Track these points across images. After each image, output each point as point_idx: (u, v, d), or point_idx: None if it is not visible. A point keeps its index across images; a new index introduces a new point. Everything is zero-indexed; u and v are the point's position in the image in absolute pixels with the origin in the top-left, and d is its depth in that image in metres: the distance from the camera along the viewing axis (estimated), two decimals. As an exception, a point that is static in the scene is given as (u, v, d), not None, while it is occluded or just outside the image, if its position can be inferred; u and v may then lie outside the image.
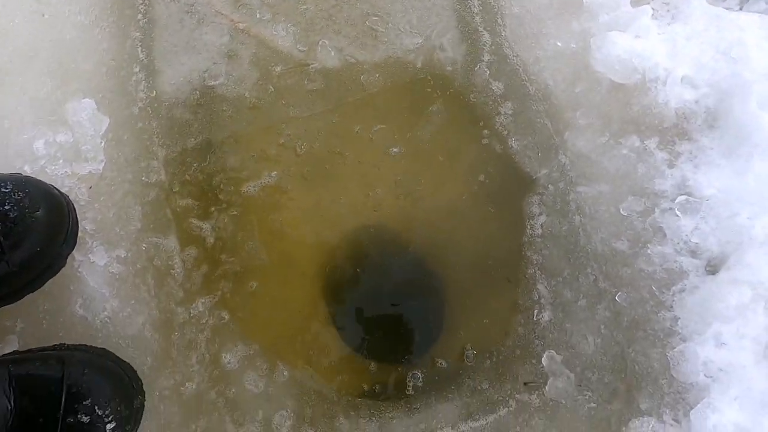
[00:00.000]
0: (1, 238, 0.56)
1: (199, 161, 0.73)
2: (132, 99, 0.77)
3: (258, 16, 0.81)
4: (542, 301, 0.66)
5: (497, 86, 0.76)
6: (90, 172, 0.71)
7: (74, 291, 0.65)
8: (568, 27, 0.75)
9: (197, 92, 0.77)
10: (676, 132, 0.67)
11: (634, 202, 0.66)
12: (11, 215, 0.57)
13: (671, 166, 0.65)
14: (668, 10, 0.73)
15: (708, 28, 0.68)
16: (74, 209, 0.65)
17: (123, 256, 0.67)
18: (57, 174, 0.70)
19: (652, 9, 0.71)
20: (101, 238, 0.68)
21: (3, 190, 0.58)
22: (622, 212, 0.66)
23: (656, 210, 0.64)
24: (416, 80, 0.77)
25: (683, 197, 0.62)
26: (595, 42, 0.69)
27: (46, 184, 0.62)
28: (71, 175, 0.70)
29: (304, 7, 0.81)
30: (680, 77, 0.66)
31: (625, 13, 0.69)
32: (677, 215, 0.61)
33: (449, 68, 0.78)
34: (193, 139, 0.75)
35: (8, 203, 0.57)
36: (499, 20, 0.79)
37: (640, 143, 0.68)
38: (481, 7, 0.80)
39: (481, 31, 0.79)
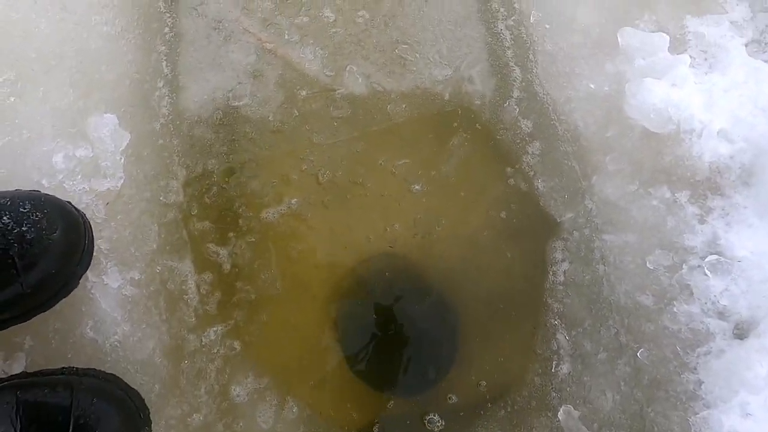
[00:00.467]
0: (17, 260, 0.55)
1: (219, 184, 0.72)
2: (154, 114, 0.76)
3: (286, 36, 0.79)
4: (561, 351, 0.64)
5: (526, 124, 0.75)
6: (108, 189, 0.70)
7: (86, 312, 0.64)
8: (602, 68, 0.73)
9: (220, 111, 0.76)
10: (708, 186, 0.66)
11: (662, 255, 0.64)
12: (28, 237, 0.56)
13: (702, 221, 0.64)
14: (706, 59, 0.71)
15: (747, 81, 0.66)
16: (91, 229, 0.64)
17: (137, 278, 0.66)
18: (75, 190, 0.69)
19: (690, 57, 0.69)
20: (116, 258, 0.66)
21: (21, 210, 0.56)
22: (648, 265, 0.65)
23: (684, 266, 0.63)
24: (443, 113, 0.76)
25: (714, 257, 0.60)
26: (630, 88, 0.68)
27: (63, 203, 0.61)
28: (89, 192, 0.69)
29: (334, 30, 0.80)
30: (716, 130, 0.65)
31: (662, 59, 0.68)
32: (706, 274, 0.60)
33: (477, 102, 0.76)
34: (214, 160, 0.74)
35: (26, 224, 0.56)
36: (531, 56, 0.77)
37: (670, 195, 0.66)
38: (513, 42, 0.79)
39: (512, 66, 0.78)
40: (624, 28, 0.72)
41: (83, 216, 0.64)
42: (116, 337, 0.63)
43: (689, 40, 0.72)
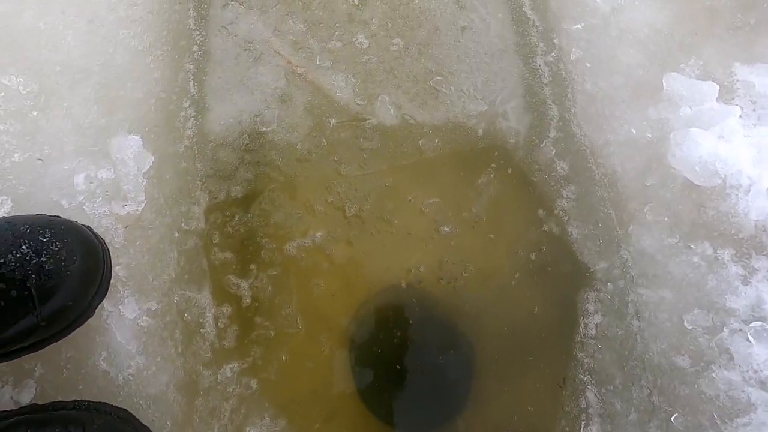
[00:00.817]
0: (34, 292, 0.53)
1: (242, 212, 0.70)
2: (179, 136, 0.74)
3: (318, 62, 0.77)
4: (590, 410, 0.62)
5: (561, 166, 0.72)
6: (128, 212, 0.68)
7: (99, 343, 0.62)
8: (645, 113, 0.71)
9: (246, 137, 0.74)
10: (753, 245, 0.63)
11: (701, 316, 0.62)
12: (46, 268, 0.54)
13: (746, 283, 0.61)
14: (754, 110, 0.68)
15: (799, 138, 0.64)
16: (109, 257, 0.62)
17: (153, 308, 0.64)
18: (95, 213, 0.67)
19: (739, 107, 0.67)
20: (133, 287, 0.64)
21: (41, 239, 0.54)
22: (685, 324, 0.62)
23: (725, 329, 0.60)
24: (476, 149, 0.73)
25: (758, 323, 0.57)
26: (675, 137, 0.65)
27: (84, 230, 0.59)
28: (109, 215, 0.67)
29: (366, 57, 0.78)
30: (766, 188, 0.62)
31: (710, 109, 0.65)
32: (749, 341, 0.57)
33: (512, 140, 0.74)
34: (238, 187, 0.72)
35: (45, 254, 0.54)
36: (570, 95, 0.75)
37: (712, 251, 0.63)
38: (551, 78, 0.76)
39: (549, 104, 0.75)
40: (670, 73, 0.70)
41: (102, 243, 0.62)
42: (130, 370, 0.61)
43: (738, 89, 0.69)
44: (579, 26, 0.77)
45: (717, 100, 0.67)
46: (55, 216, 0.60)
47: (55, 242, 0.56)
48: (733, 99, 0.69)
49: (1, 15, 0.78)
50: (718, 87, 0.66)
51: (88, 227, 0.62)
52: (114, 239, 0.67)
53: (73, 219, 0.63)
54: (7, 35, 0.77)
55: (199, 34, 0.80)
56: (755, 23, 0.74)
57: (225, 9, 0.80)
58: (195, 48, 0.79)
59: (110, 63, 0.77)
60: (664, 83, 0.70)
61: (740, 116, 0.66)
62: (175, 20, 0.80)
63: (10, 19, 0.78)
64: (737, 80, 0.70)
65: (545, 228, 0.69)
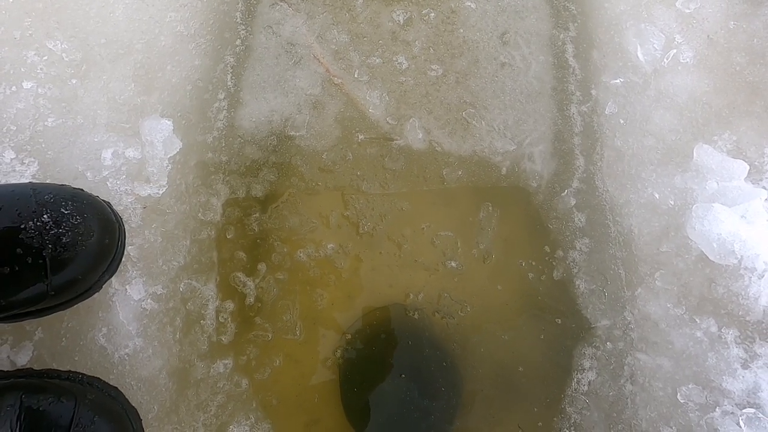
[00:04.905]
0: (49, 262, 0.54)
1: (259, 212, 0.70)
2: (209, 126, 0.75)
3: (356, 75, 0.78)
4: (570, 466, 0.62)
5: (579, 218, 0.72)
6: (149, 194, 0.69)
7: (101, 318, 0.63)
8: (670, 180, 0.71)
9: (275, 138, 0.75)
10: (758, 330, 0.63)
11: (695, 391, 0.62)
12: (63, 240, 0.55)
13: (745, 366, 0.61)
14: (781, 194, 0.68)
15: (821, 231, 0.64)
16: (125, 235, 0.63)
17: (159, 293, 0.65)
18: (117, 189, 0.68)
19: (766, 190, 0.67)
20: (142, 268, 0.65)
21: (62, 210, 0.55)
22: (679, 397, 0.62)
23: (717, 409, 0.60)
24: (497, 187, 0.74)
25: (751, 410, 0.57)
26: (697, 210, 0.65)
27: (104, 207, 0.60)
28: (130, 194, 0.68)
29: (403, 78, 0.78)
30: (779, 276, 0.62)
31: (736, 187, 0.65)
32: (740, 426, 0.57)
33: (534, 184, 0.74)
34: (259, 186, 0.72)
35: (64, 226, 0.55)
36: (599, 149, 0.75)
37: (716, 329, 0.63)
38: (582, 129, 0.76)
39: (577, 154, 0.75)
40: (702, 144, 0.70)
41: (120, 222, 0.62)
42: (126, 350, 0.62)
43: (767, 170, 0.69)
44: (618, 81, 0.77)
45: (746, 179, 0.67)
46: (78, 189, 0.61)
47: (76, 216, 0.57)
48: (761, 180, 0.69)
49: (54, -19, 0.80)
50: (748, 167, 0.66)
51: (108, 204, 0.63)
52: (131, 218, 0.68)
53: (95, 193, 0.64)
54: (58, 0, 0.79)
55: (244, 29, 0.81)
56: (795, 107, 0.74)
57: (273, 8, 0.81)
58: (238, 42, 0.80)
59: (154, 43, 0.78)
60: (694, 153, 0.70)
61: (766, 199, 0.66)
62: (222, 11, 0.81)
63: (63, -13, 0.80)
64: (768, 162, 0.70)
65: (553, 276, 0.70)
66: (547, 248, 0.70)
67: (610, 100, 0.76)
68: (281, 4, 0.82)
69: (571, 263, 0.70)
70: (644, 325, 0.67)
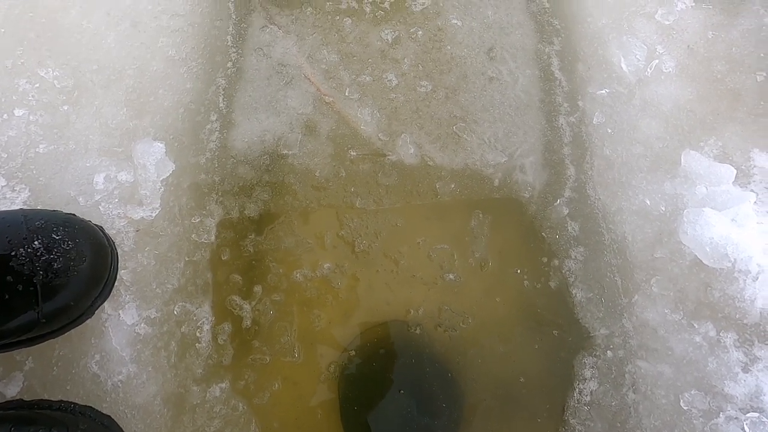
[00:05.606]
0: (40, 289, 0.53)
1: (254, 233, 0.70)
2: (202, 148, 0.76)
3: (347, 93, 0.79)
4: (576, 479, 0.61)
5: (573, 227, 0.73)
6: (142, 217, 0.68)
7: (94, 345, 0.62)
8: (660, 186, 0.71)
9: (267, 157, 0.75)
10: (756, 332, 0.63)
11: (698, 397, 0.61)
12: (55, 266, 0.54)
13: (746, 370, 0.61)
14: (769, 197, 0.69)
15: (811, 232, 0.65)
16: (117, 259, 0.62)
17: (153, 317, 0.64)
18: (109, 213, 0.68)
19: (754, 193, 0.68)
20: (136, 292, 0.65)
21: (54, 236, 0.55)
22: (682, 404, 0.61)
23: (721, 415, 0.59)
24: (491, 199, 0.74)
25: (755, 414, 0.57)
26: (688, 215, 0.66)
27: (96, 231, 0.60)
28: (123, 218, 0.68)
29: (394, 95, 0.79)
30: (773, 278, 0.62)
31: (725, 191, 0.66)
32: (744, 431, 0.56)
33: (526, 194, 0.75)
34: (253, 206, 0.72)
35: (55, 252, 0.55)
36: (588, 158, 0.76)
37: (715, 333, 0.63)
38: (571, 139, 0.77)
39: (567, 164, 0.76)
40: (689, 150, 0.71)
41: (113, 246, 0.62)
42: (120, 376, 0.61)
43: (754, 174, 0.70)
44: (604, 92, 0.79)
45: (733, 183, 0.68)
46: (70, 214, 0.61)
47: (67, 241, 0.56)
48: (749, 184, 0.70)
49: (47, 9, 0.80)
50: (735, 171, 0.67)
51: (101, 228, 0.63)
52: (124, 242, 0.67)
53: (87, 217, 0.64)
54: (51, 29, 0.79)
55: (235, 52, 0.82)
56: (777, 112, 0.76)
57: (263, 31, 0.83)
58: (229, 64, 0.81)
59: (146, 68, 0.79)
60: (682, 159, 0.71)
61: (755, 202, 0.67)
62: (213, 35, 0.83)
63: (56, 14, 0.81)
64: (754, 166, 0.71)
65: (550, 286, 0.70)
66: (543, 258, 0.71)
67: (597, 111, 0.77)
68: (271, 26, 0.83)
69: (567, 272, 0.71)
70: (643, 332, 0.67)
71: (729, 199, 0.66)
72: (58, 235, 0.56)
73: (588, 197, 0.74)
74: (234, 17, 0.84)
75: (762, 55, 0.78)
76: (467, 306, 0.67)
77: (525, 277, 0.70)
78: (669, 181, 0.71)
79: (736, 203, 0.65)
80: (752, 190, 0.68)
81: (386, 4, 0.85)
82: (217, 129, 0.77)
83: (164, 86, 0.78)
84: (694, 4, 0.83)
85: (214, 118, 0.77)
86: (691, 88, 0.78)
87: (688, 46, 0.81)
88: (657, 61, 0.79)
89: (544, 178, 0.76)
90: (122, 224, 0.68)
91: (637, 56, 0.80)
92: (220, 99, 0.79)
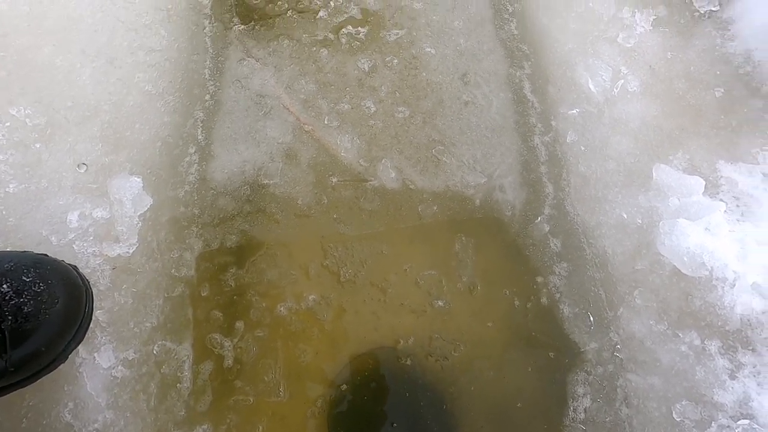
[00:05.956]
0: (8, 335, 0.50)
1: (235, 266, 0.69)
2: (180, 180, 0.75)
3: (326, 121, 0.80)
4: (577, 502, 0.59)
5: (555, 243, 0.74)
6: (119, 254, 0.66)
7: (67, 392, 0.58)
8: (635, 200, 0.74)
9: (248, 187, 0.75)
10: (739, 339, 0.64)
11: (689, 408, 0.61)
12: (25, 310, 0.52)
13: (733, 377, 0.61)
14: (738, 206, 0.72)
15: (780, 237, 0.67)
16: (92, 299, 0.60)
17: (130, 358, 0.61)
18: (84, 252, 0.65)
19: (723, 202, 0.70)
20: (112, 333, 0.62)
21: (24, 278, 0.53)
22: (674, 416, 0.61)
23: (713, 424, 0.59)
24: (473, 219, 0.75)
25: (746, 421, 0.57)
26: (663, 226, 0.67)
27: (70, 271, 0.57)
28: (98, 255, 0.66)
29: (372, 122, 0.81)
30: (750, 283, 0.64)
31: (696, 202, 0.68)
32: (738, 440, 0.57)
33: (507, 213, 0.76)
34: (234, 237, 0.71)
35: (26, 295, 0.52)
36: (564, 175, 0.78)
37: (700, 342, 0.64)
38: (547, 158, 0.80)
39: (545, 182, 0.78)
40: (659, 165, 0.74)
41: (87, 286, 0.60)
42: (96, 425, 0.57)
43: (722, 184, 0.73)
44: (575, 111, 0.82)
45: (703, 194, 0.70)
46: (42, 254, 0.58)
47: (39, 283, 0.54)
48: (718, 194, 0.73)
49: (19, 48, 0.80)
50: (704, 182, 0.70)
51: (75, 267, 0.60)
52: (100, 281, 0.65)
53: (61, 257, 0.61)
54: (23, 68, 0.78)
55: (213, 85, 0.82)
56: (736, 125, 0.79)
57: (241, 63, 0.84)
58: (207, 97, 0.81)
59: (122, 103, 0.78)
60: (654, 173, 0.74)
61: (725, 211, 0.69)
62: (191, 69, 0.83)
63: (28, 52, 0.80)
64: (721, 176, 0.74)
65: (538, 304, 0.70)
66: (529, 276, 0.71)
67: (570, 130, 0.80)
68: (249, 59, 0.84)
69: (553, 288, 0.71)
70: (630, 344, 0.67)
71: (701, 209, 0.68)
72: (28, 277, 0.54)
73: (567, 213, 0.76)
74: (211, 51, 0.85)
75: (718, 72, 0.83)
76: (458, 332, 0.66)
77: (514, 297, 0.70)
78: (643, 195, 0.73)
79: (707, 213, 0.67)
80: (721, 200, 0.71)
81: (361, 35, 0.88)
82: (196, 161, 0.76)
83: (141, 120, 0.77)
84: (651, 27, 0.88)
85: (192, 150, 0.77)
86: (656, 105, 0.82)
87: (650, 66, 0.85)
88: (622, 81, 0.83)
89: (524, 196, 0.77)
90: (98, 262, 0.65)
91: (603, 77, 0.84)
92: (199, 131, 0.78)
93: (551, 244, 0.74)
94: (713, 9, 0.91)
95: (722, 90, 0.82)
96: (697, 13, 0.91)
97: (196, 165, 0.76)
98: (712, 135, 0.79)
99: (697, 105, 0.82)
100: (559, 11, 0.92)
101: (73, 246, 0.65)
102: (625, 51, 0.87)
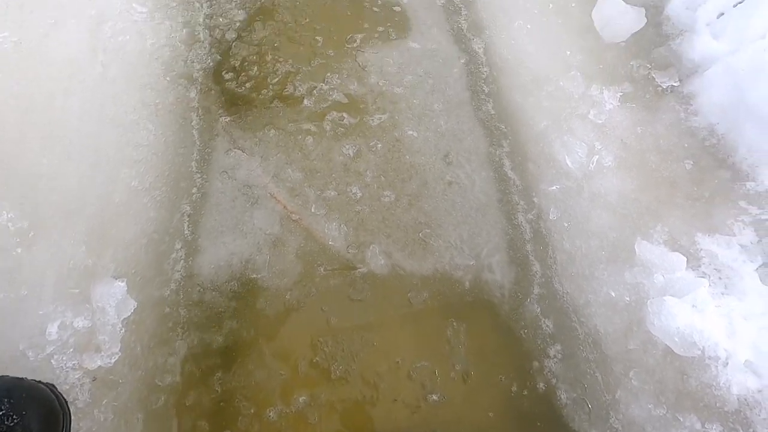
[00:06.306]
0: (-24, 479, 0.47)
1: (222, 369, 0.66)
2: (166, 279, 0.73)
3: (313, 210, 0.81)
4: None
5: (547, 324, 0.74)
6: (100, 365, 0.64)
7: None
8: (621, 277, 0.75)
9: (235, 282, 0.73)
10: (738, 420, 0.63)
11: (699, 501, 0.59)
12: (-3, 448, 0.49)
13: (738, 465, 0.60)
14: (720, 278, 0.73)
15: (765, 312, 0.68)
16: (70, 422, 0.57)
17: (110, 484, 0.57)
18: (63, 366, 0.63)
19: (706, 275, 0.72)
20: (91, 457, 0.58)
21: (-2, 412, 0.50)
22: None
23: None
24: (464, 302, 0.74)
25: None
26: (652, 305, 0.68)
27: (46, 394, 0.55)
28: (77, 369, 0.63)
29: (359, 207, 0.82)
30: (742, 361, 0.64)
31: (680, 278, 0.70)
32: None
33: (497, 294, 0.76)
34: (220, 338, 0.69)
35: (-1, 431, 0.49)
36: (550, 253, 0.79)
37: (701, 426, 0.63)
38: (532, 236, 0.81)
39: (532, 261, 0.79)
40: (641, 241, 0.75)
41: (65, 409, 0.57)
42: None
43: (702, 257, 0.75)
44: (555, 188, 0.84)
45: (686, 269, 0.72)
46: (18, 379, 0.56)
47: (12, 416, 0.51)
48: (700, 266, 0.74)
49: (2, 150, 0.79)
50: (685, 258, 0.71)
51: (52, 387, 0.58)
52: (79, 396, 0.61)
53: (38, 373, 0.59)
54: (6, 169, 0.78)
55: (200, 177, 0.83)
56: (709, 196, 0.82)
57: (228, 154, 0.85)
58: (194, 190, 0.81)
59: (107, 201, 0.78)
60: (636, 249, 0.75)
61: (709, 286, 0.70)
62: (178, 162, 0.84)
63: (12, 154, 0.80)
64: (701, 249, 0.76)
65: (535, 390, 0.68)
66: (523, 361, 0.70)
67: (552, 206, 0.82)
68: (235, 150, 0.86)
69: (549, 373, 0.70)
70: (631, 430, 0.65)
71: (685, 286, 0.69)
72: (1, 410, 0.51)
73: (556, 292, 0.76)
74: (198, 143, 0.86)
75: (686, 145, 0.87)
76: (457, 426, 0.64)
77: (511, 383, 0.68)
78: (628, 271, 0.75)
79: (692, 289, 0.68)
80: (704, 273, 0.72)
81: (345, 120, 0.90)
82: (182, 258, 0.75)
83: (126, 218, 0.77)
84: (619, 103, 0.93)
85: (179, 246, 0.76)
86: (631, 178, 0.85)
87: (622, 140, 0.89)
88: (597, 156, 0.87)
89: (512, 276, 0.78)
90: (77, 376, 0.62)
91: (579, 153, 0.87)
92: (185, 226, 0.78)
93: (543, 326, 0.73)
94: (674, 84, 0.97)
95: (691, 162, 0.86)
96: (660, 88, 0.97)
97: (182, 261, 0.75)
98: (687, 206, 0.82)
99: (669, 177, 0.86)
100: (531, 90, 0.97)
101: (52, 361, 0.62)
102: (597, 127, 0.91)
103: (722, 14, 0.98)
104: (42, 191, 0.76)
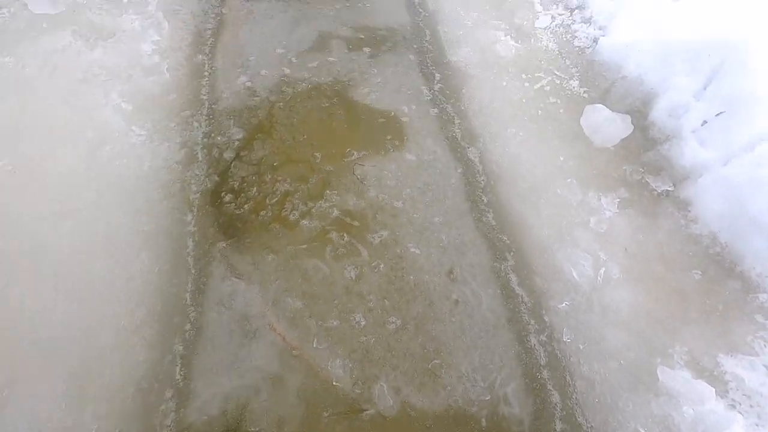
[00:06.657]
0: None
1: None
2: (154, 437, 0.67)
3: (314, 344, 0.76)
4: None
5: (574, 468, 0.68)
6: None
7: None
8: (647, 407, 0.70)
9: (231, 436, 0.67)
10: None
11: None
12: None
13: None
14: (751, 406, 0.69)
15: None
16: None
17: None
18: None
19: (738, 406, 0.67)
20: None
21: None
22: None
23: None
24: (482, 446, 0.69)
25: None
26: (686, 447, 0.63)
27: None
28: None
29: (364, 337, 0.77)
30: None
31: (711, 411, 0.65)
32: None
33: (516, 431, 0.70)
34: None
35: None
36: (569, 379, 0.75)
37: None
38: (547, 359, 0.77)
39: (550, 389, 0.74)
40: (663, 367, 0.72)
41: None
42: None
43: (729, 381, 0.71)
44: (564, 305, 0.81)
45: (716, 399, 0.68)
46: None
47: None
48: (728, 392, 0.70)
49: (-14, 287, 0.76)
50: (714, 389, 0.68)
51: None
52: None
53: None
54: (-13, 310, 0.74)
55: (194, 310, 0.78)
56: (723, 309, 0.80)
57: (224, 283, 0.81)
58: (188, 326, 0.76)
59: (92, 344, 0.72)
60: (659, 375, 0.71)
61: (739, 411, 0.66)
62: (171, 294, 0.80)
63: (-4, 293, 0.76)
64: (726, 371, 0.72)
65: None
66: None
67: (565, 326, 0.79)
68: (232, 278, 0.82)
69: None
70: None
71: (718, 422, 0.64)
72: None
73: (580, 427, 0.71)
74: (193, 271, 0.83)
75: (690, 253, 0.87)
76: None
77: None
78: (654, 401, 0.70)
79: (726, 426, 0.64)
80: (734, 401, 0.68)
81: (345, 239, 0.88)
82: (173, 409, 0.68)
83: (112, 363, 0.71)
84: (618, 210, 0.94)
85: (169, 394, 0.70)
86: (640, 290, 0.83)
87: (625, 249, 0.88)
88: (603, 268, 0.85)
89: (531, 408, 0.72)
90: None
91: (584, 265, 0.85)
92: (177, 369, 0.72)
93: (571, 471, 0.67)
94: (669, 189, 0.98)
95: (699, 272, 0.84)
96: (656, 192, 0.98)
97: (173, 414, 0.68)
98: (702, 321, 0.80)
99: (678, 287, 0.84)
100: (529, 198, 0.97)
101: None
102: (599, 236, 0.91)
103: (706, 122, 1.02)
104: (23, 338, 0.70)
